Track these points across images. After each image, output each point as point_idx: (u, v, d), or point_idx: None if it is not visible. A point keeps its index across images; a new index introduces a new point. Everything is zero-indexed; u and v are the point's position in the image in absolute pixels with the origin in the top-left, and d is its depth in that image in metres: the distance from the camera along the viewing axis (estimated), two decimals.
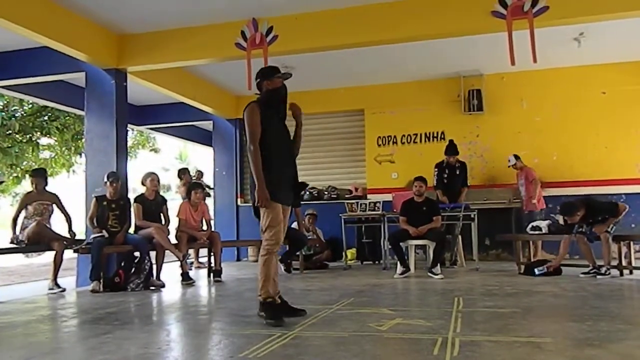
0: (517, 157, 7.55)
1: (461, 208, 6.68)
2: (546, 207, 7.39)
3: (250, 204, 3.72)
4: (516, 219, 7.54)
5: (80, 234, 6.06)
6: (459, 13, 5.54)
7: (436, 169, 7.36)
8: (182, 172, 8.85)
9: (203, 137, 11.37)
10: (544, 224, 6.30)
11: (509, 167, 7.63)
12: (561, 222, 6.10)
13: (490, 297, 4.32)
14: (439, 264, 5.92)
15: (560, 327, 3.14)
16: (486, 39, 6.24)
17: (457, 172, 7.31)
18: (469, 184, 7.46)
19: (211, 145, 10.02)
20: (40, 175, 5.98)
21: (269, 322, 3.32)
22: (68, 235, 5.79)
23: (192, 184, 7.03)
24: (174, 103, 8.99)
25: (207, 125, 10.25)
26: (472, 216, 6.62)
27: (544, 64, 7.29)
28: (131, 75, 6.65)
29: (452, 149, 7.35)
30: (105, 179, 5.82)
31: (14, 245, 5.51)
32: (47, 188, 5.92)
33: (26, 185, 12.11)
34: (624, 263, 5.73)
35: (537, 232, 6.30)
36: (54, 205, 5.86)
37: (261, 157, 3.47)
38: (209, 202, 8.72)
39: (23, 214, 5.69)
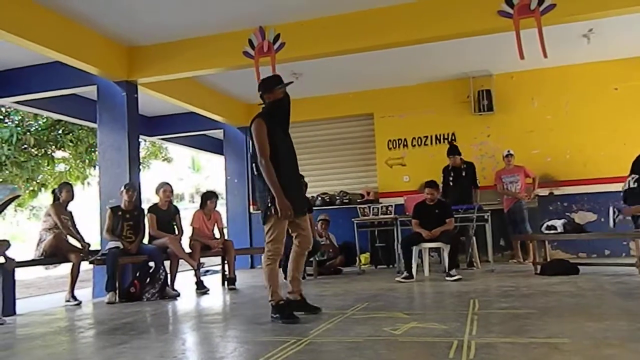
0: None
1: (474, 209, 6.63)
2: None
3: (260, 213, 3.83)
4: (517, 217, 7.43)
5: (95, 245, 6.12)
6: (465, 14, 5.52)
7: (442, 174, 7.31)
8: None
9: (214, 146, 11.45)
10: (559, 223, 6.18)
11: (505, 158, 7.51)
12: None
13: (506, 298, 4.28)
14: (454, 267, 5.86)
15: (578, 327, 3.09)
16: (494, 39, 6.20)
17: (464, 174, 7.24)
18: (479, 184, 7.40)
19: (222, 154, 10.09)
20: (72, 187, 6.05)
21: (286, 322, 3.55)
22: (83, 245, 5.84)
23: (205, 193, 7.04)
24: (184, 113, 9.07)
25: (218, 134, 10.33)
26: (486, 217, 6.57)
27: (554, 62, 7.23)
28: (142, 87, 6.73)
29: (452, 149, 7.30)
30: (122, 188, 5.90)
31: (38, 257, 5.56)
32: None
33: (43, 199, 12.29)
34: None
35: (552, 232, 6.21)
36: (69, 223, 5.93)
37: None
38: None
39: (43, 225, 5.74)
